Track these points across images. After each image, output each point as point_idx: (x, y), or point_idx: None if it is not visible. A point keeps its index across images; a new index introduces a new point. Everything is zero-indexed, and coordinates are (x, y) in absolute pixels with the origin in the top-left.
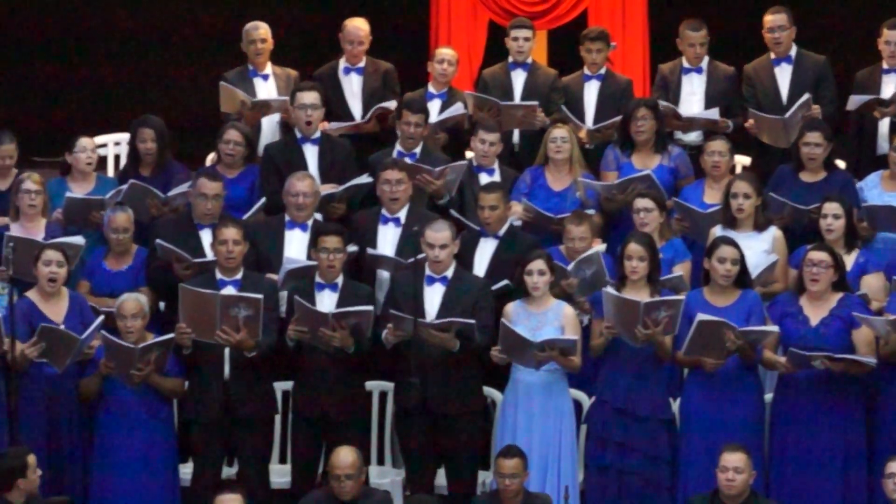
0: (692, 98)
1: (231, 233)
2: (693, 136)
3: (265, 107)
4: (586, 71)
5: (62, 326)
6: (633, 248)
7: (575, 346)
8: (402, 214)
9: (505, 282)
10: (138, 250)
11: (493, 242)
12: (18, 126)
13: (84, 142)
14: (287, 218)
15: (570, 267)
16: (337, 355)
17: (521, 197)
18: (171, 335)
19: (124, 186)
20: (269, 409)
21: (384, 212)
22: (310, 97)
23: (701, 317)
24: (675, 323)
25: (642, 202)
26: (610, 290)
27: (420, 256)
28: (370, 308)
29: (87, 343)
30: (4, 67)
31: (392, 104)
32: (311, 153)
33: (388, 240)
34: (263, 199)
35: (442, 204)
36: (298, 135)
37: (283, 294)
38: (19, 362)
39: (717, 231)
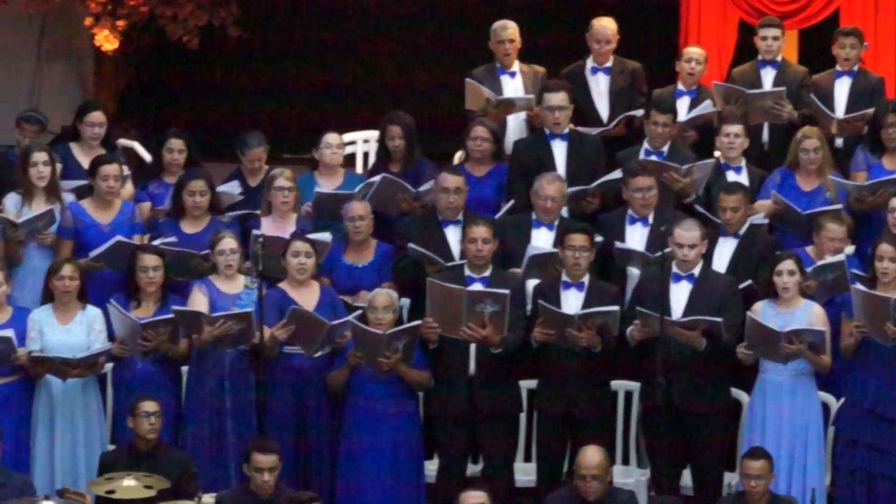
0: None
1: (481, 231)
2: None
3: (509, 105)
4: (838, 67)
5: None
6: (886, 248)
7: (823, 339)
8: (650, 215)
9: (749, 281)
10: (379, 245)
11: (732, 241)
12: (269, 124)
13: (330, 138)
14: (534, 216)
15: (809, 269)
16: (582, 354)
17: (769, 193)
18: (418, 322)
19: (375, 179)
20: (514, 406)
21: (631, 212)
22: (557, 98)
23: None
24: None
25: None
26: (860, 286)
27: (667, 251)
28: (616, 308)
29: (338, 332)
30: (255, 68)
31: (638, 112)
32: (559, 150)
33: (636, 239)
34: (512, 202)
35: (689, 202)
36: (547, 131)
37: (529, 284)
38: (269, 346)
39: None
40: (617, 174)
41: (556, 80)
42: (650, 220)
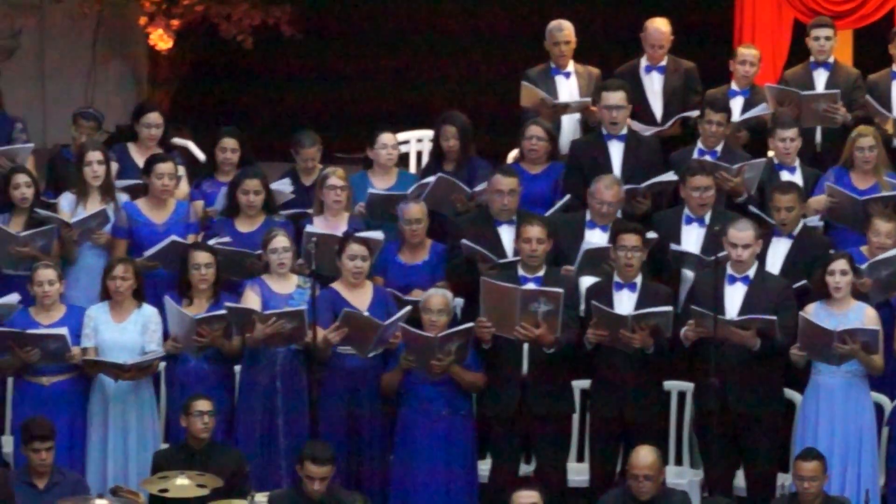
0: None
1: (535, 231)
2: None
3: (564, 108)
4: (894, 67)
5: (366, 313)
6: None
7: (877, 339)
8: (707, 215)
9: (804, 282)
10: (433, 244)
11: (786, 242)
12: (322, 123)
13: (385, 138)
14: (588, 217)
15: (864, 266)
16: (635, 355)
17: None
18: (470, 324)
19: (429, 179)
20: (567, 407)
21: (687, 212)
22: (615, 97)
23: None
24: None
25: None
26: None
27: (722, 254)
28: (670, 309)
29: (390, 332)
30: (309, 67)
31: (693, 113)
32: (616, 150)
33: (692, 240)
34: (567, 197)
35: (740, 202)
36: (604, 131)
37: (583, 284)
38: (322, 348)
39: None
40: (669, 176)
41: (614, 80)
42: (706, 220)
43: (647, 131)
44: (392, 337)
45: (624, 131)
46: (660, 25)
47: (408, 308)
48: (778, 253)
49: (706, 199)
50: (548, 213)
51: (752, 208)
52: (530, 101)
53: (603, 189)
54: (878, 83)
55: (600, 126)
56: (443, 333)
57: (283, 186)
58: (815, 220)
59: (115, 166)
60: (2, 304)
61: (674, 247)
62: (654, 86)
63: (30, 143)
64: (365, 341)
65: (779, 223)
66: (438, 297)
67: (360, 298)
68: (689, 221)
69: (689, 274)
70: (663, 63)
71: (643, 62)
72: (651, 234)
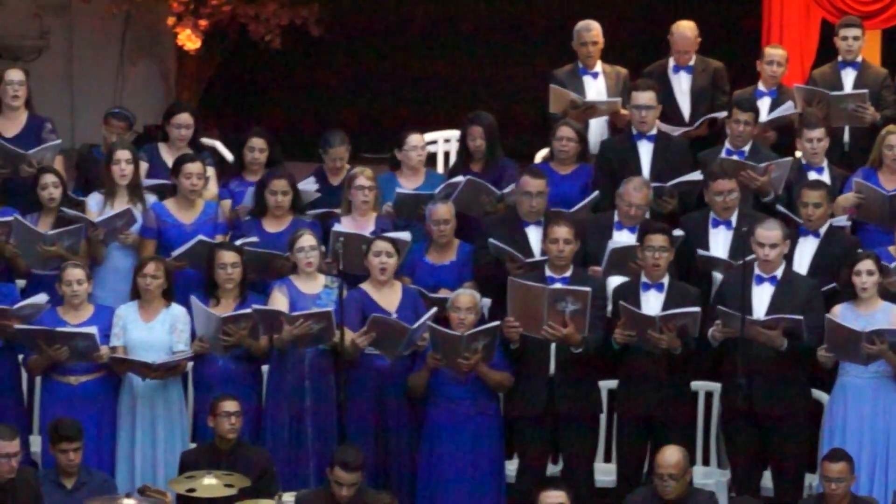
0: None
1: (563, 232)
2: None
3: (593, 109)
4: None
5: (395, 316)
6: None
7: None
8: (734, 217)
9: (833, 285)
10: (461, 244)
11: (813, 241)
12: (350, 123)
13: (414, 139)
14: (616, 218)
15: (893, 265)
16: (662, 355)
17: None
18: (497, 322)
19: (457, 180)
20: (594, 407)
21: (713, 215)
22: (645, 97)
23: None
24: None
25: None
26: None
27: (749, 258)
28: (698, 309)
29: (419, 334)
30: (337, 67)
31: (721, 114)
32: (645, 151)
33: (719, 243)
34: (596, 193)
35: (767, 201)
36: (634, 131)
37: (610, 285)
38: (350, 352)
39: None
40: (695, 175)
41: (644, 80)
42: (733, 223)
43: (675, 132)
44: (420, 339)
45: (654, 132)
46: (686, 31)
47: (434, 309)
48: (805, 253)
49: (730, 202)
50: (574, 209)
51: (780, 207)
52: (559, 107)
53: (632, 191)
54: None
55: (629, 127)
56: (470, 331)
57: (309, 186)
58: (842, 220)
59: (144, 166)
60: (30, 304)
61: (701, 252)
62: (682, 86)
63: (57, 140)
64: (393, 345)
65: (805, 219)
66: (467, 296)
67: (389, 299)
68: (716, 225)
69: (718, 276)
70: (691, 63)
71: (671, 62)
72: (678, 232)
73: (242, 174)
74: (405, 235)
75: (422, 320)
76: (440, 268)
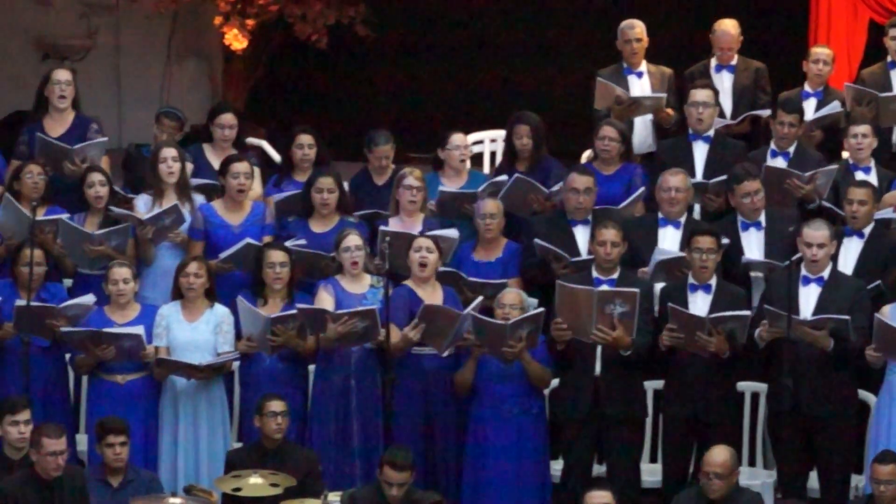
0: None
1: (610, 234)
2: None
3: (637, 105)
4: None
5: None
6: None
7: None
8: (762, 217)
9: (878, 282)
10: (507, 243)
11: (858, 241)
12: (396, 123)
13: (457, 139)
14: (660, 215)
15: None
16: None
17: None
18: (541, 309)
19: (502, 178)
20: (640, 409)
21: (741, 218)
22: (703, 94)
23: None
24: None
25: None
26: None
27: (795, 257)
28: (748, 313)
29: (466, 324)
30: (383, 67)
31: (765, 112)
32: (699, 151)
33: (752, 244)
34: (643, 189)
35: (812, 208)
36: (690, 131)
37: (657, 287)
38: (401, 347)
39: None
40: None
41: (702, 79)
42: (762, 223)
43: (717, 125)
44: (466, 333)
45: (711, 133)
46: (728, 28)
47: (480, 298)
48: (850, 252)
49: (757, 202)
50: (621, 206)
51: (826, 203)
52: (605, 102)
53: (669, 177)
54: None
55: (684, 128)
56: (513, 320)
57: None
58: (889, 213)
59: (189, 167)
60: (77, 304)
61: (745, 259)
62: (724, 84)
63: (104, 138)
64: (443, 335)
65: (849, 216)
66: (512, 293)
67: (432, 296)
68: (746, 227)
69: (757, 275)
70: (734, 62)
71: (713, 61)
72: (725, 241)
73: (292, 174)
74: (452, 233)
75: (472, 306)
76: (486, 265)
